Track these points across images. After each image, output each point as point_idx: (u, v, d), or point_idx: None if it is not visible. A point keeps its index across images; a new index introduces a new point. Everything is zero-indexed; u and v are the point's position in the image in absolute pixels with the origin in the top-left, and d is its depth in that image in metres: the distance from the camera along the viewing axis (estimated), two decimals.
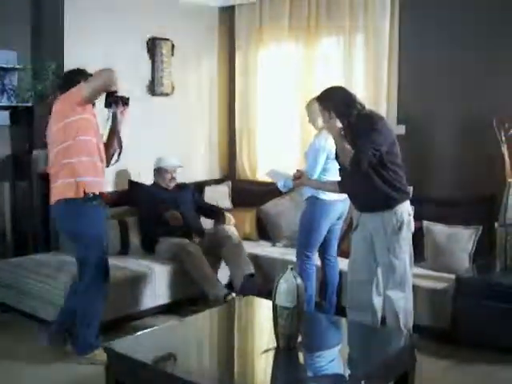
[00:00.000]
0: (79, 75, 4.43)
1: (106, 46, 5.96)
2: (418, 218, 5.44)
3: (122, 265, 5.35)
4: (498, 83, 5.42)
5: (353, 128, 4.19)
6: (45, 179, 5.63)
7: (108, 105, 4.46)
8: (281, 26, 6.67)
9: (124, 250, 5.75)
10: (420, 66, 5.84)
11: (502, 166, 5.14)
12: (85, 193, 4.30)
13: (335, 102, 4.19)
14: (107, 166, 4.58)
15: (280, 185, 4.98)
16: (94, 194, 4.34)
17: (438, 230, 5.34)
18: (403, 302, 4.28)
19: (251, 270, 5.52)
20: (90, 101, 4.32)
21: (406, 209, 4.26)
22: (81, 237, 4.40)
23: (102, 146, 4.47)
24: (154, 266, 5.46)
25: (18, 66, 5.69)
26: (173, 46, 6.68)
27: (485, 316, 4.64)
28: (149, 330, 3.86)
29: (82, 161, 4.31)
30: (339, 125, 4.18)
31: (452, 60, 5.65)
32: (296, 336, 3.39)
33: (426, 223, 5.42)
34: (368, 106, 5.80)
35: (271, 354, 3.46)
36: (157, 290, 5.40)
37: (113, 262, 5.00)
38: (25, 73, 5.69)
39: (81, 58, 5.70)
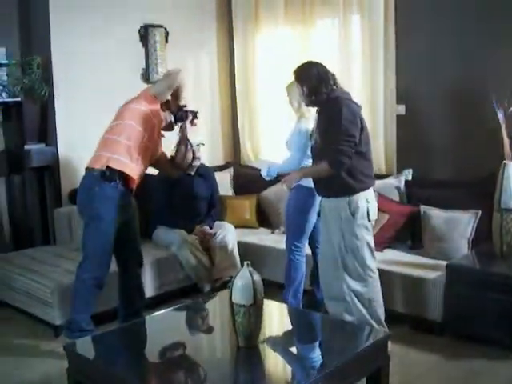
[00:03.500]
0: None
1: (96, 35, 5.90)
2: (415, 202, 5.33)
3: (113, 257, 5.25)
4: (498, 61, 5.19)
5: (322, 114, 4.21)
6: (38, 173, 5.67)
7: (179, 119, 4.72)
8: (277, 9, 6.54)
9: None
10: (418, 44, 5.64)
11: (501, 145, 4.92)
12: (108, 167, 4.28)
13: (309, 77, 4.21)
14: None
15: (264, 172, 4.89)
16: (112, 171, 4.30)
17: (436, 215, 5.13)
18: (365, 291, 4.22)
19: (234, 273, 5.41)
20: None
21: (363, 197, 4.17)
22: (85, 212, 4.40)
23: (151, 145, 4.51)
24: (147, 257, 5.29)
25: (5, 62, 5.64)
26: (167, 32, 6.58)
27: (477, 307, 4.44)
28: (110, 329, 3.81)
29: (118, 140, 4.34)
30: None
31: (451, 37, 5.44)
32: (256, 334, 3.29)
33: (423, 208, 5.23)
34: (366, 88, 5.79)
35: (230, 353, 3.39)
36: (149, 281, 5.33)
37: None
38: (13, 68, 5.64)
39: (69, 49, 5.69)
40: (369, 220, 4.20)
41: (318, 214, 4.45)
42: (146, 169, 4.57)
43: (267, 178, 4.97)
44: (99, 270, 4.39)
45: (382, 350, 3.45)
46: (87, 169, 4.41)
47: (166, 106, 4.62)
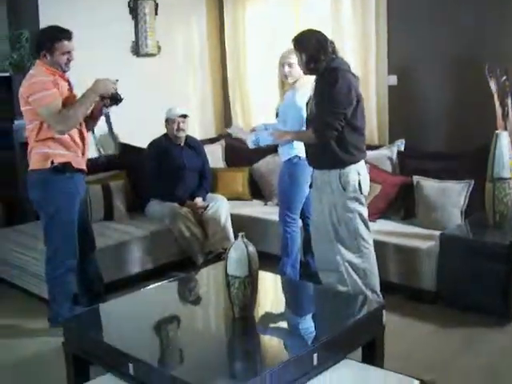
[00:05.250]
0: (44, 47, 4.18)
1: (85, 8, 5.85)
2: (408, 172, 5.32)
3: (106, 232, 5.35)
4: (492, 30, 5.18)
5: (318, 84, 4.17)
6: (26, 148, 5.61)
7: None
8: None
9: (108, 216, 5.70)
10: (410, 13, 5.60)
11: (494, 115, 4.91)
12: (52, 163, 4.21)
13: (308, 44, 4.16)
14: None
15: (252, 140, 4.71)
16: (63, 164, 4.24)
17: (429, 185, 5.13)
18: (359, 261, 4.24)
19: (228, 245, 5.40)
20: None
21: (354, 169, 4.16)
22: (43, 208, 4.32)
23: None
24: (140, 231, 5.44)
25: None
26: (156, 4, 6.52)
27: (469, 276, 4.46)
28: (105, 303, 3.81)
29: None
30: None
31: (445, 5, 5.40)
32: (251, 305, 3.29)
33: (416, 178, 5.23)
34: (358, 59, 5.74)
35: (226, 325, 3.39)
36: (143, 255, 5.37)
37: (98, 228, 5.08)
38: (1, 42, 5.56)
39: (58, 23, 5.57)
40: (361, 192, 4.19)
41: (310, 186, 4.43)
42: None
43: (253, 146, 4.74)
44: (72, 258, 4.39)
45: (377, 319, 3.45)
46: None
47: None
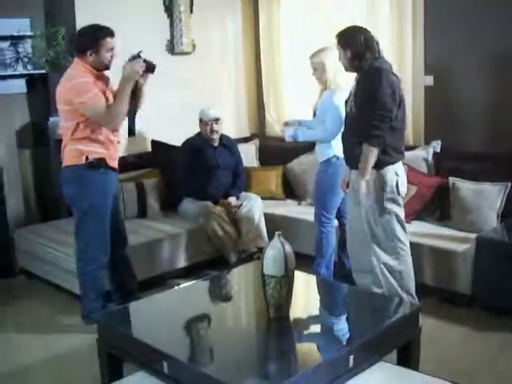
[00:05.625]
0: (89, 46, 4.17)
1: (120, 6, 5.86)
2: (445, 174, 5.26)
3: (139, 229, 5.36)
4: None
5: (361, 83, 4.12)
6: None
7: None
8: None
9: (142, 213, 5.72)
10: (448, 12, 5.51)
11: None
12: (87, 159, 4.23)
13: (354, 41, 4.10)
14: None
15: (290, 134, 4.85)
16: (97, 160, 4.25)
17: (465, 187, 5.06)
18: (395, 263, 4.20)
19: (262, 244, 5.45)
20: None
21: (392, 170, 4.11)
22: (77, 203, 4.34)
23: None
24: (174, 229, 5.45)
25: (30, 34, 5.61)
26: (191, 2, 6.51)
27: (505, 280, 4.38)
28: (139, 300, 3.82)
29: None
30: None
31: (480, 4, 5.32)
32: (287, 305, 3.27)
33: (452, 180, 5.16)
34: (393, 58, 5.65)
35: (261, 324, 3.37)
36: (176, 253, 5.38)
37: (131, 225, 5.08)
38: (38, 40, 5.60)
39: (94, 20, 5.59)
40: (398, 194, 4.14)
41: (347, 186, 4.39)
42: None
43: (289, 139, 4.89)
44: (103, 255, 4.41)
45: (414, 322, 3.41)
46: None
47: None
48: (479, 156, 5.28)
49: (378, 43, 4.14)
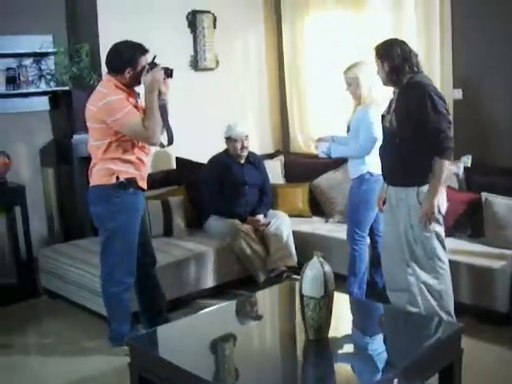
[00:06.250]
0: (128, 64, 4.07)
1: (143, 22, 5.82)
2: (476, 189, 5.14)
3: (166, 248, 5.27)
4: None
5: (404, 97, 4.03)
6: (87, 163, 5.58)
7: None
8: None
9: (168, 231, 5.63)
10: (476, 24, 5.41)
11: None
12: (118, 179, 4.14)
13: (392, 54, 4.04)
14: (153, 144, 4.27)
15: (323, 150, 4.87)
16: (128, 180, 4.16)
17: (499, 203, 4.94)
18: (435, 282, 4.09)
19: (291, 263, 5.44)
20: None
21: None
22: (105, 223, 4.24)
23: None
24: (201, 248, 5.35)
25: (53, 50, 5.58)
26: (215, 18, 6.47)
27: None
28: (171, 322, 3.75)
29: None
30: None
31: (508, 17, 5.20)
32: (326, 326, 3.16)
33: (484, 195, 5.05)
34: None
35: (300, 347, 3.27)
36: (204, 272, 5.29)
37: (157, 244, 4.98)
38: (61, 56, 5.57)
39: (117, 36, 5.55)
40: (439, 211, 4.04)
41: (383, 203, 4.29)
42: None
43: (322, 155, 4.90)
44: (130, 276, 4.30)
45: (456, 343, 3.29)
46: None
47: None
48: (511, 170, 5.17)
49: (416, 57, 4.07)
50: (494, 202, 4.97)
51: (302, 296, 3.12)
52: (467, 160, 5.41)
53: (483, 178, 5.24)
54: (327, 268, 3.11)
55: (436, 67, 5.62)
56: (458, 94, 5.61)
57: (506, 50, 5.27)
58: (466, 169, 5.38)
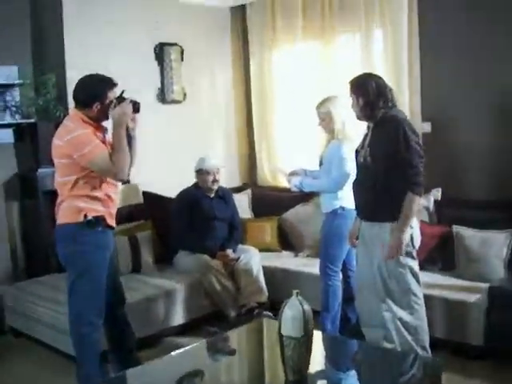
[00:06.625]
0: (96, 98, 3.96)
1: (110, 54, 5.75)
2: (447, 222, 5.14)
3: (135, 285, 5.15)
4: None
5: (378, 132, 4.01)
6: (53, 197, 5.45)
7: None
8: (295, 24, 6.38)
9: (136, 267, 5.51)
10: (443, 58, 5.46)
11: None
12: (86, 217, 4.01)
13: (367, 89, 4.01)
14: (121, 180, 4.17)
15: (295, 184, 4.85)
16: (96, 218, 4.03)
17: (469, 235, 4.96)
18: (411, 318, 4.02)
19: (262, 298, 5.37)
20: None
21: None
22: (73, 263, 4.08)
23: None
24: (171, 284, 5.26)
25: (18, 82, 5.47)
26: (182, 50, 6.44)
27: None
28: (142, 365, 3.64)
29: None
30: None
31: (476, 47, 5.27)
32: (306, 366, 3.08)
33: (455, 228, 5.06)
34: None
35: None
36: (174, 309, 5.18)
37: (126, 281, 4.82)
38: (26, 88, 5.45)
39: (84, 67, 5.47)
40: (413, 246, 4.00)
41: (356, 238, 4.24)
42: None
43: (295, 189, 4.89)
44: (98, 317, 4.11)
45: (437, 380, 3.24)
46: None
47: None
48: (481, 203, 5.20)
49: (391, 91, 4.06)
50: (465, 234, 4.99)
51: (281, 336, 3.04)
52: (437, 193, 5.41)
53: (453, 211, 5.24)
54: (306, 307, 3.04)
55: (405, 100, 5.63)
56: (427, 127, 5.63)
57: (474, 84, 5.32)
58: (436, 202, 5.38)
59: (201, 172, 5.58)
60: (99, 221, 4.01)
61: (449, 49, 5.42)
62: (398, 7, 5.58)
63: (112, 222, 4.13)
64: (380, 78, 4.12)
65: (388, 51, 5.75)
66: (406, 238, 3.92)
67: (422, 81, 5.62)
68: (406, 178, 3.86)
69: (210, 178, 5.56)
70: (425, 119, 5.64)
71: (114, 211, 4.15)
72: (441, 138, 5.58)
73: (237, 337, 4.09)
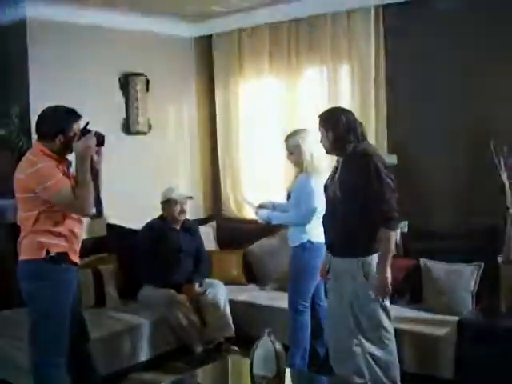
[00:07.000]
0: (59, 131, 3.86)
1: (75, 84, 5.68)
2: (414, 254, 5.15)
3: (99, 321, 5.03)
4: (492, 106, 5.09)
5: (349, 166, 3.98)
6: (12, 230, 5.31)
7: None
8: (261, 58, 6.38)
9: (100, 302, 5.40)
10: (409, 93, 5.53)
11: (503, 195, 4.77)
12: (48, 253, 3.90)
13: (337, 123, 3.99)
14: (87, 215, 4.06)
15: (263, 217, 4.89)
16: (59, 255, 3.92)
17: (437, 268, 4.98)
18: (382, 353, 4.00)
19: (229, 333, 5.33)
20: None
21: (376, 257, 3.96)
22: (35, 301, 3.95)
23: None
24: (136, 319, 5.17)
25: None
26: (147, 81, 6.38)
27: (490, 364, 4.24)
28: None
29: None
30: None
31: (442, 83, 5.34)
32: None
33: (422, 261, 5.08)
34: None
35: None
36: (139, 345, 5.09)
37: (90, 316, 4.68)
38: None
39: (48, 98, 5.39)
40: None
41: (327, 273, 4.20)
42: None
43: (262, 222, 4.92)
44: (61, 356, 3.98)
45: None
46: None
47: None
48: (448, 235, 5.21)
49: (361, 125, 4.06)
50: (432, 267, 5.00)
51: (252, 375, 2.99)
52: (404, 226, 5.41)
53: (420, 244, 5.26)
54: (278, 346, 3.01)
55: (370, 134, 5.60)
56: (393, 159, 5.63)
57: (439, 117, 5.36)
58: (402, 235, 5.37)
59: (168, 202, 5.51)
60: (62, 257, 3.91)
61: (414, 82, 5.47)
62: (364, 43, 5.62)
63: (75, 258, 4.02)
64: (350, 111, 4.13)
65: (354, 85, 5.77)
66: (389, 275, 3.89)
67: (387, 114, 5.65)
68: (380, 214, 3.85)
69: (178, 209, 5.49)
70: (390, 151, 5.65)
71: (77, 247, 4.04)
72: (406, 171, 5.56)
73: (204, 374, 4.01)
